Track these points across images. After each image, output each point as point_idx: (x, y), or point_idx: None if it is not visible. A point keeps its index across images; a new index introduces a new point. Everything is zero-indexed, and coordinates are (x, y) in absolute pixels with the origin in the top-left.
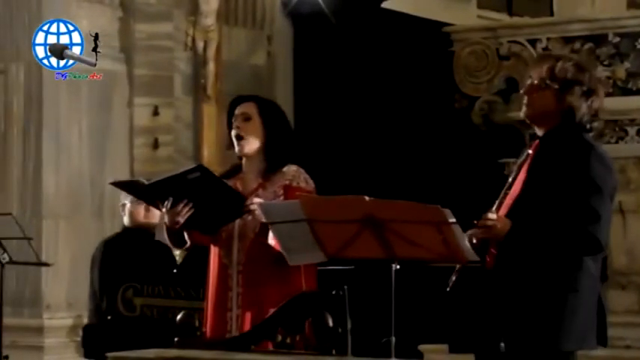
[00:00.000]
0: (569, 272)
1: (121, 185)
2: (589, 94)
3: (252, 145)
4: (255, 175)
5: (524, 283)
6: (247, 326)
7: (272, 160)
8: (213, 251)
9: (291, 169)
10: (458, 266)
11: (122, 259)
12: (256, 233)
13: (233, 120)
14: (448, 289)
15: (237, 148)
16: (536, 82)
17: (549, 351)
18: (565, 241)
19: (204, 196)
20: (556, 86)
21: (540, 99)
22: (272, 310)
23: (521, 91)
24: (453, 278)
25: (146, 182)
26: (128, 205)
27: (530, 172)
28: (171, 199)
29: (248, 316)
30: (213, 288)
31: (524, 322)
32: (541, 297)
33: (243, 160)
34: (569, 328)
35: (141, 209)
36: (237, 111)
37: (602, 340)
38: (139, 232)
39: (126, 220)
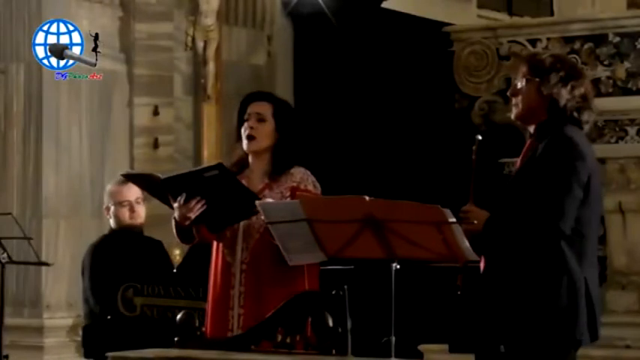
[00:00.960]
0: (547, 267)
1: (133, 177)
2: (567, 79)
3: (262, 145)
4: (261, 175)
5: (506, 277)
6: (249, 325)
7: (279, 161)
8: (216, 249)
9: (298, 171)
10: (460, 269)
11: (113, 261)
12: (261, 233)
13: (246, 117)
14: (459, 293)
15: (245, 146)
16: (519, 81)
17: (538, 345)
18: (528, 233)
19: (219, 194)
20: (537, 79)
21: (524, 96)
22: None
23: (507, 93)
24: (459, 282)
25: (162, 176)
26: (112, 208)
27: (518, 168)
28: (184, 194)
29: (249, 315)
30: (216, 286)
31: (509, 317)
32: (521, 292)
33: (250, 157)
34: (553, 321)
35: (125, 211)
36: (252, 109)
37: (594, 335)
38: (125, 234)
39: (112, 223)
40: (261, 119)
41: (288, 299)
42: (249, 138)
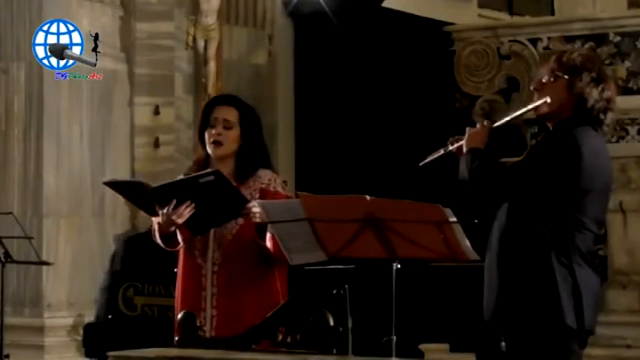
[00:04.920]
0: (528, 254)
1: (114, 185)
2: (599, 81)
3: (229, 150)
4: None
5: (503, 268)
6: (222, 327)
7: (244, 164)
8: (184, 252)
9: (265, 173)
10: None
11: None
12: (234, 234)
13: (212, 122)
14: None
15: (211, 151)
16: (545, 77)
17: (529, 333)
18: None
19: (210, 199)
20: (566, 76)
21: (552, 92)
22: (250, 311)
23: (531, 88)
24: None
25: (152, 185)
26: None
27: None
28: (174, 201)
29: (223, 316)
30: (186, 289)
31: (502, 305)
32: (514, 280)
33: (214, 161)
34: (535, 306)
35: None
36: (219, 114)
37: (580, 323)
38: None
39: None
40: (227, 126)
41: (261, 301)
42: (216, 144)
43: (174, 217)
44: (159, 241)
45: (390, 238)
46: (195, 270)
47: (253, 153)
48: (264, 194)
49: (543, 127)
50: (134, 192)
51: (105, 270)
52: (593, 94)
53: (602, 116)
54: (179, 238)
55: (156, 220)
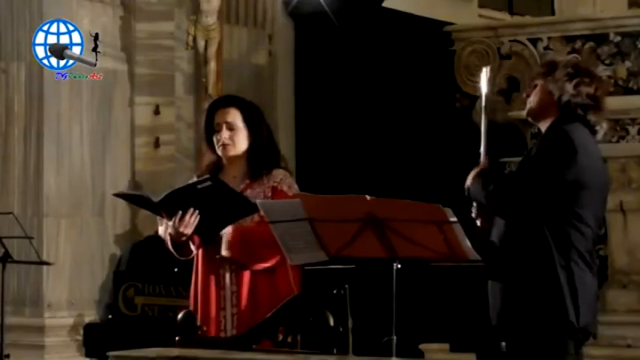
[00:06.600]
0: (529, 253)
1: (125, 197)
2: (574, 76)
3: (240, 149)
4: (241, 177)
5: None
6: (243, 324)
7: (256, 161)
8: (199, 253)
9: (279, 173)
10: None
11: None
12: None
13: (215, 126)
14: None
15: (221, 153)
16: (535, 81)
17: (530, 332)
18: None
19: (213, 204)
20: (546, 76)
21: (536, 93)
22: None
23: (524, 94)
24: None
25: (154, 198)
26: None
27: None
28: (180, 212)
29: (244, 314)
30: (204, 288)
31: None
32: (517, 280)
33: (225, 162)
34: (535, 305)
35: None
36: (221, 119)
37: (577, 320)
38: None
39: None
40: (231, 128)
41: (278, 297)
42: (225, 146)
43: (181, 229)
44: (172, 250)
45: (391, 238)
46: (212, 270)
47: (264, 149)
48: (274, 192)
49: None
50: (143, 202)
51: (107, 271)
52: (567, 89)
53: (580, 111)
54: (192, 247)
55: (162, 230)
